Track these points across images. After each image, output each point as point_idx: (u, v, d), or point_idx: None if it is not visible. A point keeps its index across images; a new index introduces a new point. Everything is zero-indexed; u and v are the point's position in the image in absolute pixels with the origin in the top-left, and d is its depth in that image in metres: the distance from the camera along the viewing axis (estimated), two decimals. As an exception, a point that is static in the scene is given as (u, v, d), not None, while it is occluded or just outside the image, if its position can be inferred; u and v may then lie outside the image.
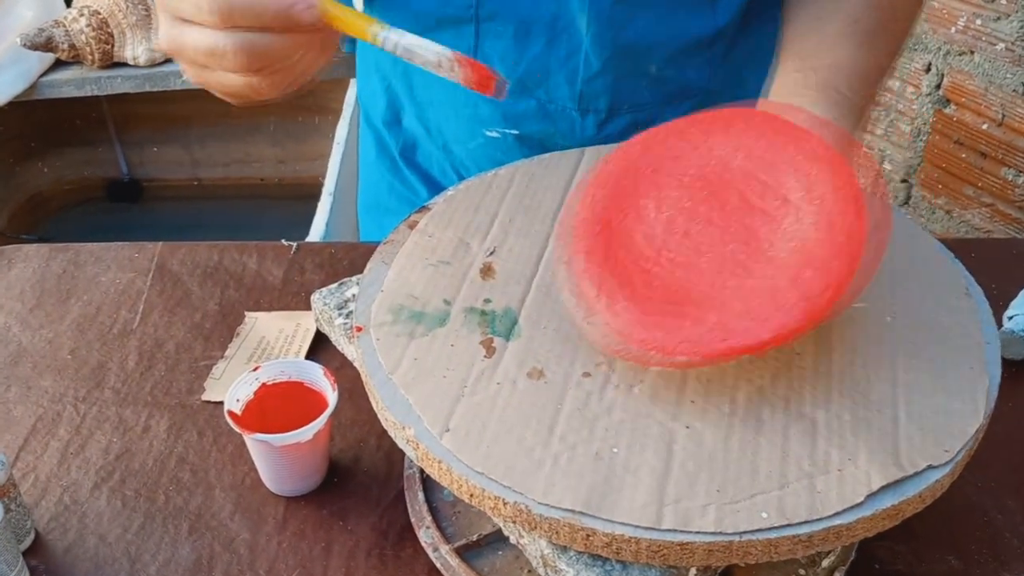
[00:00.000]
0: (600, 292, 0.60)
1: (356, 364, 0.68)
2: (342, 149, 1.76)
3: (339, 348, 0.73)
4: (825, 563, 0.67)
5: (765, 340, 0.56)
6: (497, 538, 0.69)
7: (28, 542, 0.72)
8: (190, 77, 0.63)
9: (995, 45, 1.37)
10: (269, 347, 0.89)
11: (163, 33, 0.61)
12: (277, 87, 0.61)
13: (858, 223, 0.57)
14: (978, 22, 1.38)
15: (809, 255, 0.57)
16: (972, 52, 1.41)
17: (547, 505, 0.54)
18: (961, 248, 0.75)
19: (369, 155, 1.10)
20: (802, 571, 0.67)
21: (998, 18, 1.36)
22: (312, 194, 1.70)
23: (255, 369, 0.76)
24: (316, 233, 1.59)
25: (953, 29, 1.42)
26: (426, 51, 0.61)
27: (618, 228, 0.63)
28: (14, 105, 1.79)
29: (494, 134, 0.94)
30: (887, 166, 1.60)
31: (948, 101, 1.47)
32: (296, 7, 0.57)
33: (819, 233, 0.58)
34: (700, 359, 0.57)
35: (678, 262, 0.61)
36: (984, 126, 1.43)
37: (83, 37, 1.76)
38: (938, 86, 1.47)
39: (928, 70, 1.48)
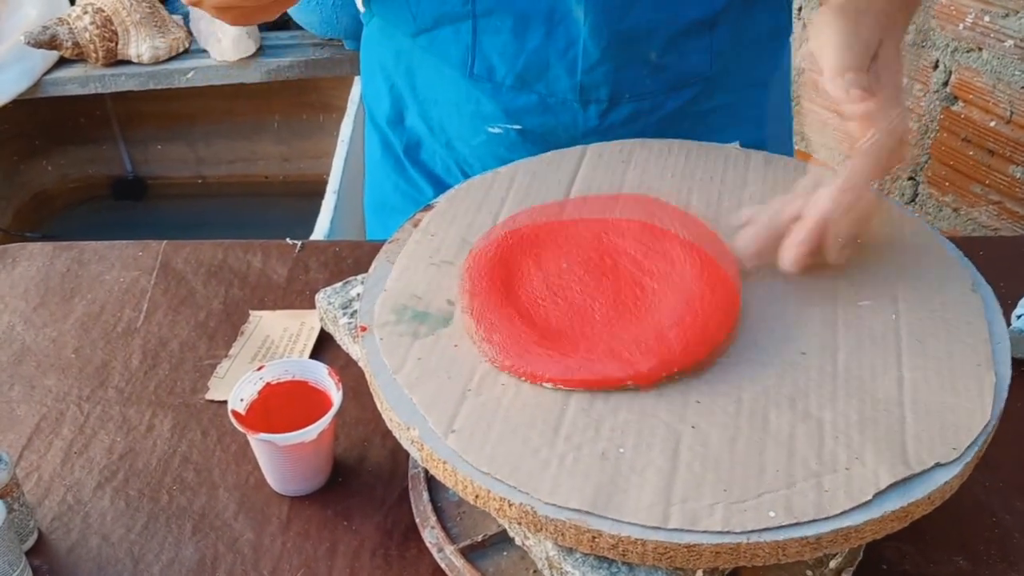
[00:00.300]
0: (481, 321, 0.65)
1: (361, 364, 0.67)
2: (346, 147, 1.75)
3: (344, 348, 0.73)
4: (832, 564, 0.66)
5: (636, 374, 0.61)
6: (502, 539, 0.69)
7: (31, 542, 0.72)
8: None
9: (1003, 42, 1.37)
10: (273, 346, 0.89)
11: None
12: None
13: (730, 284, 0.66)
14: (986, 19, 1.38)
15: (689, 306, 0.64)
16: (980, 49, 1.40)
17: (553, 505, 0.54)
18: (969, 246, 0.74)
19: (374, 154, 1.10)
20: (809, 572, 0.66)
21: (1006, 15, 1.35)
22: (316, 192, 1.70)
23: (259, 368, 0.75)
24: (320, 231, 1.59)
25: (961, 26, 1.41)
26: None
27: (518, 271, 0.69)
28: (18, 103, 1.79)
29: (496, 130, 0.94)
30: (894, 163, 1.60)
31: (956, 98, 1.46)
32: None
33: (700, 289, 0.64)
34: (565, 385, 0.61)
35: (570, 304, 0.66)
36: (992, 123, 1.42)
37: (87, 35, 1.76)
38: (946, 83, 1.47)
39: (936, 67, 1.47)
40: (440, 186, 1.02)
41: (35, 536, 0.72)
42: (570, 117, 0.92)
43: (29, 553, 0.71)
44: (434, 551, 0.69)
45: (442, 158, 1.02)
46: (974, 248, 0.75)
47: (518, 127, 0.93)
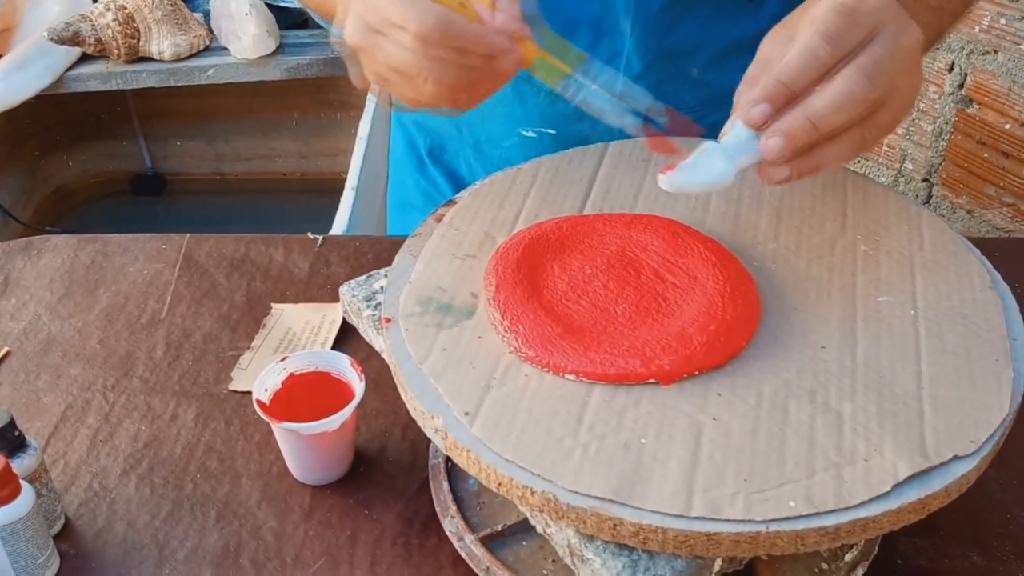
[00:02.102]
0: (506, 313, 0.66)
1: (384, 355, 0.68)
2: (365, 144, 1.76)
3: (367, 339, 0.74)
4: (848, 557, 0.67)
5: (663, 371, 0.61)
6: (522, 528, 0.70)
7: (58, 527, 0.73)
8: (368, 75, 0.64)
9: (1019, 44, 1.37)
10: (295, 338, 0.90)
11: (353, 31, 0.62)
12: (454, 105, 0.64)
13: (751, 295, 0.67)
14: (1002, 21, 1.38)
15: (713, 315, 0.64)
16: (996, 51, 1.41)
17: (577, 493, 0.55)
18: (984, 247, 0.75)
19: (398, 152, 1.11)
20: (825, 565, 0.67)
21: (1022, 18, 1.35)
22: (333, 189, 1.71)
23: (283, 359, 0.76)
24: (339, 227, 1.60)
25: (977, 28, 1.42)
26: (609, 113, 0.68)
27: (542, 271, 0.70)
28: (41, 99, 1.81)
29: (531, 134, 0.94)
30: (908, 165, 1.60)
31: (971, 101, 1.47)
32: (502, 58, 0.60)
33: (722, 300, 0.65)
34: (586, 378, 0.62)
35: (594, 305, 0.67)
36: (1007, 126, 1.43)
37: (109, 31, 1.78)
38: (961, 85, 1.47)
39: (951, 69, 1.47)
40: (461, 188, 1.03)
41: (62, 521, 0.74)
42: (606, 126, 0.92)
43: (56, 538, 0.73)
44: (454, 540, 0.70)
45: (467, 160, 1.02)
46: (989, 249, 0.76)
47: (552, 132, 0.93)
